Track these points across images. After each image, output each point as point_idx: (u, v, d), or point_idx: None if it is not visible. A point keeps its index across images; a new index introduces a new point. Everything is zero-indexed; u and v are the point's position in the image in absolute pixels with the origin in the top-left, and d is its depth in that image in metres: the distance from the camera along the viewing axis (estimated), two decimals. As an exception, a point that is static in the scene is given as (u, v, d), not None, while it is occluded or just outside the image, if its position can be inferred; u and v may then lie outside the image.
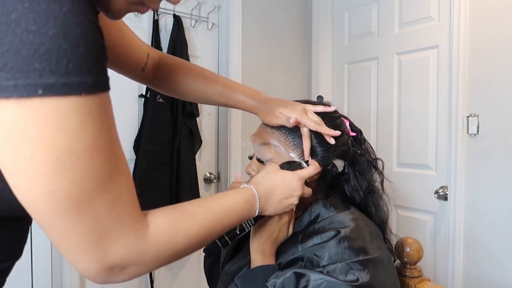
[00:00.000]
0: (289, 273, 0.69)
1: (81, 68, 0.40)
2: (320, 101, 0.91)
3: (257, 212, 0.67)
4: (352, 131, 0.87)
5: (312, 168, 0.76)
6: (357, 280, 0.66)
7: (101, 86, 0.43)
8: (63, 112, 0.40)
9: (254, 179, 0.72)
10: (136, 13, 1.87)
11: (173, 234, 0.53)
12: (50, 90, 0.39)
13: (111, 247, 0.46)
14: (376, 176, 0.88)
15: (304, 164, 0.77)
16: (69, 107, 0.40)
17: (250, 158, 0.88)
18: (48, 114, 0.39)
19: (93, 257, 0.46)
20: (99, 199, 0.44)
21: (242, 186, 0.69)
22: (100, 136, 0.43)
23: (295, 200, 0.72)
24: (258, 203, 0.67)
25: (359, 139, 0.88)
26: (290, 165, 0.77)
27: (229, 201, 0.63)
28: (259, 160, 0.83)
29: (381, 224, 0.86)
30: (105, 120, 0.44)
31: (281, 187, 0.71)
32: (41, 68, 0.38)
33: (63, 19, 0.39)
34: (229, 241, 0.74)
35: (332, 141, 0.80)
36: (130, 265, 0.49)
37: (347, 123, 0.86)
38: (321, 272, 0.68)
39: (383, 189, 0.88)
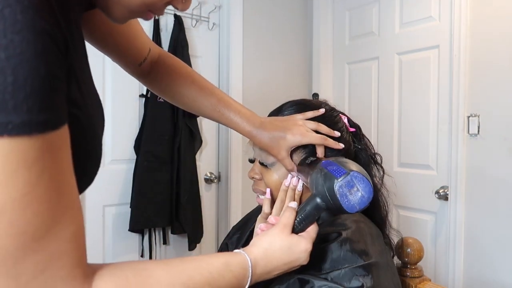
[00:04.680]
0: (292, 279, 0.68)
1: (6, 104, 0.33)
2: (316, 98, 0.90)
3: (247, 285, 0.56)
4: (351, 127, 0.86)
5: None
6: (362, 286, 0.66)
7: (44, 124, 0.36)
8: None
9: (254, 246, 0.60)
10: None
11: None
12: None
13: None
14: (375, 171, 0.87)
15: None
16: None
17: (251, 161, 0.86)
18: None
19: None
20: (26, 259, 0.36)
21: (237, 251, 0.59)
22: (38, 184, 0.36)
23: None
24: (250, 278, 0.56)
25: (358, 134, 0.87)
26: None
27: (211, 272, 0.52)
28: (262, 164, 0.82)
29: (381, 220, 0.85)
30: (48, 164, 0.37)
31: (286, 263, 0.61)
32: None
33: None
34: None
35: (341, 146, 0.79)
36: None
37: (345, 120, 0.86)
38: (325, 279, 0.67)
39: (382, 184, 0.88)
